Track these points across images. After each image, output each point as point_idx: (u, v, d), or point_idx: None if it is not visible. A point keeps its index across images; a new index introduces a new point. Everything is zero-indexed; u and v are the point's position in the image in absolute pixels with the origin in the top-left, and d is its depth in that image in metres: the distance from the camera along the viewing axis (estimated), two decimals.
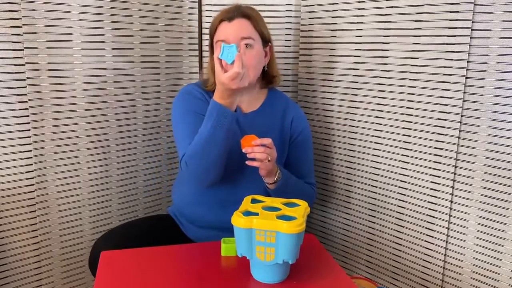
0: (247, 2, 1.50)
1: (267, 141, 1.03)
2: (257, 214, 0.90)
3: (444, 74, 1.14)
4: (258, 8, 1.51)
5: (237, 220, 0.87)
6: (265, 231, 0.86)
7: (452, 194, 1.16)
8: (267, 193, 1.16)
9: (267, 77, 1.23)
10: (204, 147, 1.04)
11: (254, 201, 0.98)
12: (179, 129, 1.15)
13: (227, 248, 1.01)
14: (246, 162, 1.05)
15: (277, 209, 0.93)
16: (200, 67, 1.60)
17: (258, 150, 1.02)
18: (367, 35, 1.29)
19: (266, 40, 1.18)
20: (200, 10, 1.56)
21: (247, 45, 1.11)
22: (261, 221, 0.86)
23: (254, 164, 1.04)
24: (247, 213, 0.91)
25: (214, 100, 1.04)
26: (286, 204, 0.96)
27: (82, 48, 1.33)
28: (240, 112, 1.20)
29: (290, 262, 0.89)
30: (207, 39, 1.57)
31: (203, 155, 1.05)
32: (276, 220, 0.86)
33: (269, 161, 1.04)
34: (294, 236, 0.86)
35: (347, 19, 1.34)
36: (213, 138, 1.03)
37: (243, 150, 1.03)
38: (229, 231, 1.01)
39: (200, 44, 1.59)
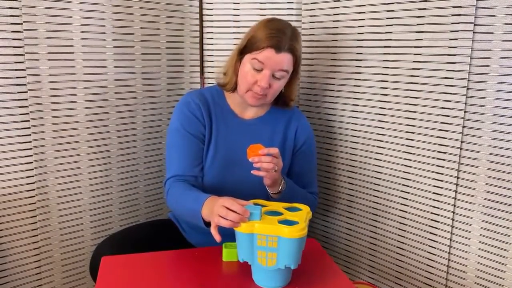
0: (248, 7, 1.50)
1: (274, 150, 1.02)
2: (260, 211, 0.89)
3: (446, 78, 1.13)
4: (259, 13, 1.52)
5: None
6: (267, 236, 0.86)
7: (455, 198, 1.16)
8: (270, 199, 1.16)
9: (283, 98, 1.21)
10: (180, 213, 1.13)
11: (256, 205, 0.97)
12: (171, 147, 1.17)
13: (228, 253, 1.00)
14: (252, 172, 1.04)
15: (279, 213, 0.92)
16: (201, 71, 1.60)
17: (265, 160, 1.01)
18: (368, 38, 1.29)
19: (296, 70, 1.18)
20: (201, 15, 1.56)
21: (278, 76, 1.11)
22: (263, 225, 0.86)
23: (260, 174, 1.03)
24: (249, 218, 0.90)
25: (202, 204, 0.99)
26: (288, 209, 0.95)
27: (83, 53, 1.33)
28: (242, 119, 1.21)
29: (292, 268, 0.88)
30: (208, 43, 1.57)
31: (179, 215, 1.16)
32: (278, 225, 0.86)
33: (275, 171, 1.04)
34: (296, 241, 0.85)
35: (348, 22, 1.34)
36: (187, 218, 1.09)
37: (250, 159, 1.01)
38: (230, 236, 1.01)
39: (201, 49, 1.59)
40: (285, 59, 1.10)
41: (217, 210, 0.91)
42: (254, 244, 0.87)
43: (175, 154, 1.16)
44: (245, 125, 1.21)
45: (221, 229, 1.16)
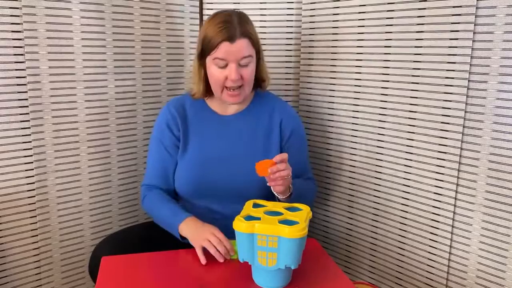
0: (248, 7, 1.50)
1: (283, 156, 1.02)
2: (259, 218, 0.89)
3: (446, 78, 1.13)
4: (259, 13, 1.52)
5: (239, 224, 0.86)
6: (267, 236, 0.85)
7: (455, 198, 1.15)
8: (271, 198, 1.15)
9: (256, 81, 1.21)
10: (154, 218, 1.20)
11: (255, 205, 0.97)
12: (149, 155, 1.24)
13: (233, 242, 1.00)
14: (269, 184, 1.05)
15: (279, 213, 0.92)
16: None
17: (281, 168, 1.00)
18: (368, 38, 1.29)
19: (259, 51, 1.18)
20: (201, 15, 1.56)
21: (245, 63, 1.12)
22: (263, 225, 0.85)
23: (278, 183, 1.03)
24: (249, 218, 0.90)
25: (181, 221, 1.08)
26: (288, 209, 0.95)
27: (83, 53, 1.33)
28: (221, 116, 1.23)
29: (293, 268, 0.88)
30: None
31: (155, 220, 1.20)
32: (278, 225, 0.85)
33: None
34: (297, 241, 0.85)
35: (348, 22, 1.34)
36: (161, 224, 1.17)
37: (267, 176, 1.00)
38: (230, 236, 1.01)
39: None
40: (242, 46, 1.10)
41: (207, 236, 1.01)
42: (254, 244, 0.87)
43: (150, 164, 1.23)
44: (226, 122, 1.21)
45: (220, 229, 1.16)
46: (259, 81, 1.22)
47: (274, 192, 1.11)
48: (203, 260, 0.99)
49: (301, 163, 1.25)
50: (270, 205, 0.96)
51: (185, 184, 1.18)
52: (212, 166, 1.17)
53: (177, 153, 1.20)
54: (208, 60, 1.13)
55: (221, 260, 0.99)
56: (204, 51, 1.13)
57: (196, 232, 1.03)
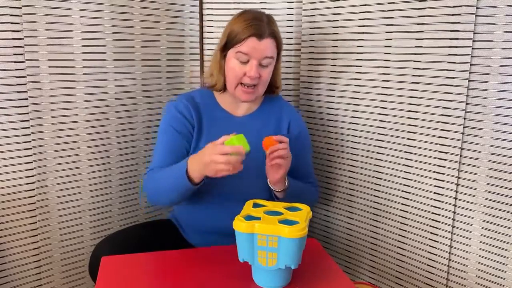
0: (248, 7, 1.50)
1: (285, 139, 1.07)
2: (259, 218, 0.89)
3: (447, 78, 1.13)
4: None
5: (239, 224, 0.86)
6: (267, 235, 0.85)
7: (456, 198, 1.15)
8: (270, 198, 1.15)
9: (269, 87, 1.22)
10: (159, 192, 1.12)
11: (255, 205, 0.97)
12: (157, 143, 1.20)
13: (232, 140, 0.98)
14: (267, 166, 1.08)
15: (279, 213, 0.92)
16: (202, 71, 1.59)
17: (282, 147, 1.05)
18: (368, 38, 1.29)
19: (279, 55, 1.19)
20: (201, 14, 1.56)
21: (265, 64, 1.13)
22: (263, 225, 0.85)
23: (277, 161, 1.06)
24: (249, 218, 0.90)
25: (187, 166, 1.03)
26: (288, 209, 0.95)
27: (83, 52, 1.33)
28: (233, 116, 1.22)
29: (293, 267, 0.88)
30: (208, 43, 1.57)
31: (158, 196, 1.13)
32: (278, 225, 0.85)
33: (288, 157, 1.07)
34: (297, 240, 0.85)
35: (348, 22, 1.34)
36: (168, 193, 1.09)
37: (268, 150, 1.05)
38: (230, 236, 1.01)
39: (201, 48, 1.58)
40: (268, 45, 1.11)
41: (212, 160, 0.95)
42: (254, 244, 0.86)
43: (160, 149, 1.18)
44: (236, 123, 1.21)
45: (221, 230, 1.16)
46: (272, 87, 1.23)
47: (270, 185, 1.12)
48: (239, 167, 0.98)
49: (304, 167, 1.26)
50: (270, 205, 0.96)
51: None
52: None
53: (190, 141, 1.18)
54: (230, 52, 1.14)
55: (240, 168, 0.98)
56: (228, 44, 1.14)
57: (202, 166, 1.00)
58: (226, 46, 1.15)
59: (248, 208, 0.94)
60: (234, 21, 1.14)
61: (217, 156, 0.96)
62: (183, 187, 1.04)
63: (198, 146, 1.18)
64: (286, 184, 1.12)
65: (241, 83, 1.14)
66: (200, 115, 1.19)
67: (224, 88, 1.20)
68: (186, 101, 1.19)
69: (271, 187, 1.14)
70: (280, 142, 1.06)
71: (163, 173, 1.11)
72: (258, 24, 1.10)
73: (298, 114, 1.28)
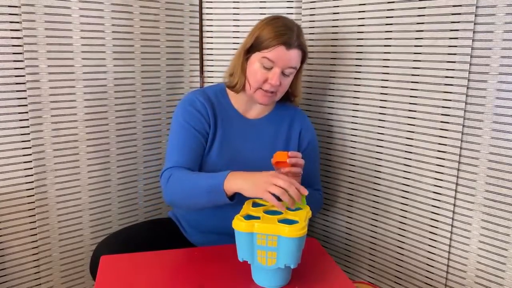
0: (248, 6, 1.50)
1: (299, 154, 1.05)
2: (258, 218, 0.89)
3: (446, 77, 1.13)
4: (258, 12, 1.51)
5: (238, 224, 0.86)
6: (267, 235, 0.85)
7: (455, 198, 1.15)
8: None
9: (287, 95, 1.22)
10: (186, 196, 1.05)
11: (255, 204, 0.97)
12: (173, 140, 1.15)
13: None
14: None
15: (279, 212, 0.92)
16: (201, 70, 1.59)
17: (293, 161, 1.03)
18: (368, 38, 1.29)
19: (302, 66, 1.19)
20: (200, 14, 1.56)
21: (287, 73, 1.12)
22: (263, 225, 0.85)
23: (295, 171, 1.05)
24: (248, 217, 0.90)
25: (224, 177, 0.98)
26: (288, 208, 0.95)
27: (83, 52, 1.32)
28: (246, 118, 1.22)
29: (292, 267, 0.88)
30: (208, 43, 1.57)
31: (183, 198, 1.06)
32: (277, 224, 0.85)
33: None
34: (296, 240, 0.85)
35: (348, 22, 1.33)
36: (196, 200, 1.03)
37: (281, 170, 1.03)
38: (231, 235, 1.00)
39: (201, 48, 1.58)
40: (294, 56, 1.11)
41: (272, 180, 0.90)
42: (254, 244, 0.86)
43: (178, 147, 1.13)
44: (249, 125, 1.21)
45: (221, 229, 1.16)
46: (291, 95, 1.23)
47: None
48: (280, 206, 0.89)
49: (312, 174, 1.26)
50: (270, 204, 0.96)
51: None
52: (229, 167, 1.16)
53: (207, 140, 1.15)
54: (255, 56, 1.12)
55: (292, 207, 0.91)
56: (254, 47, 1.12)
57: (255, 179, 0.93)
58: (251, 48, 1.13)
59: (247, 207, 0.94)
60: (264, 25, 1.12)
61: (277, 178, 0.90)
62: (217, 201, 1.00)
63: (213, 146, 1.16)
64: None
65: (261, 88, 1.13)
66: (215, 114, 1.18)
67: (243, 89, 1.18)
68: (202, 98, 1.17)
69: None
70: (295, 156, 1.03)
71: (192, 179, 1.05)
72: (289, 33, 1.09)
73: (310, 122, 1.28)
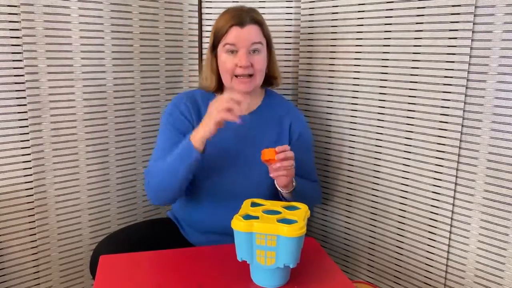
0: (247, 5, 1.50)
1: (286, 148, 1.04)
2: (257, 217, 0.89)
3: (445, 77, 1.13)
4: (258, 10, 1.51)
5: (237, 224, 0.86)
6: (266, 235, 0.85)
7: (454, 198, 1.15)
8: (270, 197, 1.15)
9: (267, 79, 1.22)
10: (164, 174, 1.09)
11: (254, 204, 0.97)
12: (158, 141, 1.19)
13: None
14: (272, 175, 1.06)
15: (278, 212, 0.92)
16: (200, 70, 1.59)
17: (281, 156, 1.02)
18: (367, 37, 1.29)
19: (270, 44, 1.20)
20: (200, 13, 1.56)
21: (255, 50, 1.14)
22: (262, 224, 0.85)
23: (280, 174, 1.05)
24: (247, 217, 0.90)
25: (189, 136, 1.05)
26: (287, 208, 0.95)
27: (82, 51, 1.32)
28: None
29: (291, 266, 0.88)
30: (207, 42, 1.56)
31: (163, 180, 1.10)
32: (276, 224, 0.85)
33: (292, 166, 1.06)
34: (295, 239, 0.85)
35: (347, 21, 1.33)
36: (174, 170, 1.07)
37: (272, 166, 1.03)
38: (230, 235, 1.00)
39: (200, 47, 1.58)
40: (252, 31, 1.13)
41: (218, 108, 0.99)
42: (253, 243, 0.86)
43: (160, 147, 1.17)
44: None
45: (220, 229, 1.16)
46: (270, 78, 1.23)
47: (277, 186, 1.12)
48: (235, 118, 1.00)
49: (305, 166, 1.25)
50: (268, 204, 0.96)
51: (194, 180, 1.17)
52: (222, 165, 1.16)
53: None
54: (219, 48, 1.15)
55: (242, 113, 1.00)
56: (216, 41, 1.16)
57: (206, 118, 1.04)
58: (214, 44, 1.17)
59: (246, 207, 0.94)
60: (217, 19, 1.17)
61: (219, 104, 1.00)
62: (189, 158, 1.04)
63: None
64: (294, 185, 1.12)
65: (236, 75, 1.14)
66: (200, 115, 1.18)
67: (219, 89, 1.20)
68: (187, 100, 1.19)
69: (279, 189, 1.13)
70: (282, 151, 1.03)
71: (166, 158, 1.10)
72: (238, 13, 1.13)
73: (300, 114, 1.28)
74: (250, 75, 1.14)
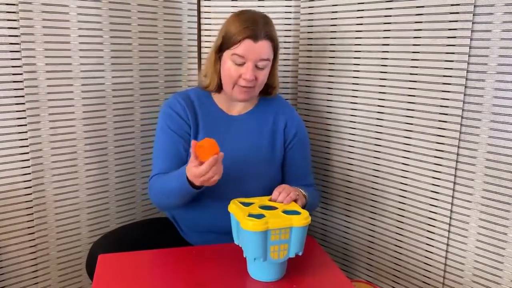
0: (247, 5, 1.50)
1: (280, 189, 1.02)
2: (262, 215, 0.89)
3: (444, 76, 1.13)
4: (257, 10, 1.51)
5: (252, 225, 0.86)
6: (280, 229, 0.87)
7: (452, 197, 1.16)
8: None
9: (265, 88, 1.21)
10: (164, 198, 1.11)
11: (246, 204, 0.97)
12: (156, 145, 1.19)
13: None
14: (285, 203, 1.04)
15: (272, 207, 0.96)
16: (199, 69, 1.59)
17: (281, 199, 1.00)
18: (366, 37, 1.29)
19: (276, 57, 1.18)
20: (199, 13, 1.55)
21: (261, 66, 1.12)
22: (276, 220, 0.87)
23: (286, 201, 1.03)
24: (254, 216, 0.89)
25: (188, 174, 1.00)
26: (285, 212, 0.95)
27: (80, 50, 1.32)
28: (228, 115, 1.21)
29: (300, 254, 0.91)
30: (206, 41, 1.57)
31: (162, 201, 1.13)
32: (288, 216, 0.89)
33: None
34: (305, 228, 0.89)
35: (346, 21, 1.34)
36: (173, 197, 1.08)
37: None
38: (227, 234, 1.01)
39: (199, 47, 1.58)
40: (264, 47, 1.10)
41: (201, 182, 0.96)
42: (267, 240, 0.87)
43: (160, 153, 1.17)
44: (232, 121, 1.20)
45: (218, 229, 1.16)
46: (268, 87, 1.22)
47: None
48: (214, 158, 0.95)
49: (301, 167, 1.25)
50: (257, 201, 0.99)
51: None
52: (229, 168, 1.16)
53: (188, 140, 1.16)
54: (226, 54, 1.12)
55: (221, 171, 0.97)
56: (224, 45, 1.13)
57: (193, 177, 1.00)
58: (221, 47, 1.14)
59: (243, 208, 0.93)
60: (229, 22, 1.13)
61: (202, 178, 0.96)
62: (186, 192, 1.03)
63: None
64: (306, 200, 1.11)
65: (237, 84, 1.13)
66: (196, 114, 1.18)
67: (218, 89, 1.19)
68: (182, 100, 1.18)
69: None
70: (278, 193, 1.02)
71: (166, 178, 1.10)
72: (254, 26, 1.09)
73: (296, 114, 1.27)
74: (251, 86, 1.13)
